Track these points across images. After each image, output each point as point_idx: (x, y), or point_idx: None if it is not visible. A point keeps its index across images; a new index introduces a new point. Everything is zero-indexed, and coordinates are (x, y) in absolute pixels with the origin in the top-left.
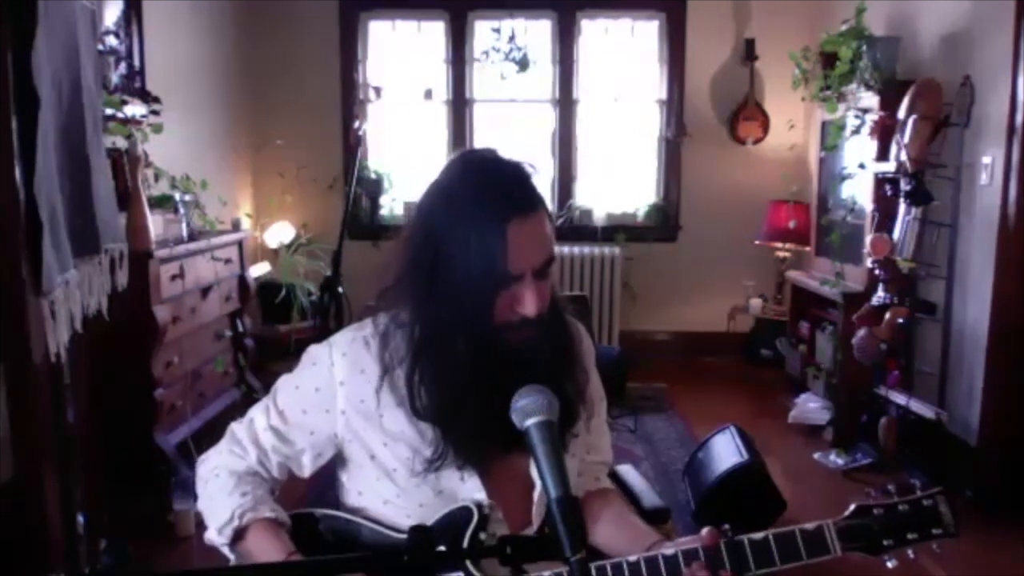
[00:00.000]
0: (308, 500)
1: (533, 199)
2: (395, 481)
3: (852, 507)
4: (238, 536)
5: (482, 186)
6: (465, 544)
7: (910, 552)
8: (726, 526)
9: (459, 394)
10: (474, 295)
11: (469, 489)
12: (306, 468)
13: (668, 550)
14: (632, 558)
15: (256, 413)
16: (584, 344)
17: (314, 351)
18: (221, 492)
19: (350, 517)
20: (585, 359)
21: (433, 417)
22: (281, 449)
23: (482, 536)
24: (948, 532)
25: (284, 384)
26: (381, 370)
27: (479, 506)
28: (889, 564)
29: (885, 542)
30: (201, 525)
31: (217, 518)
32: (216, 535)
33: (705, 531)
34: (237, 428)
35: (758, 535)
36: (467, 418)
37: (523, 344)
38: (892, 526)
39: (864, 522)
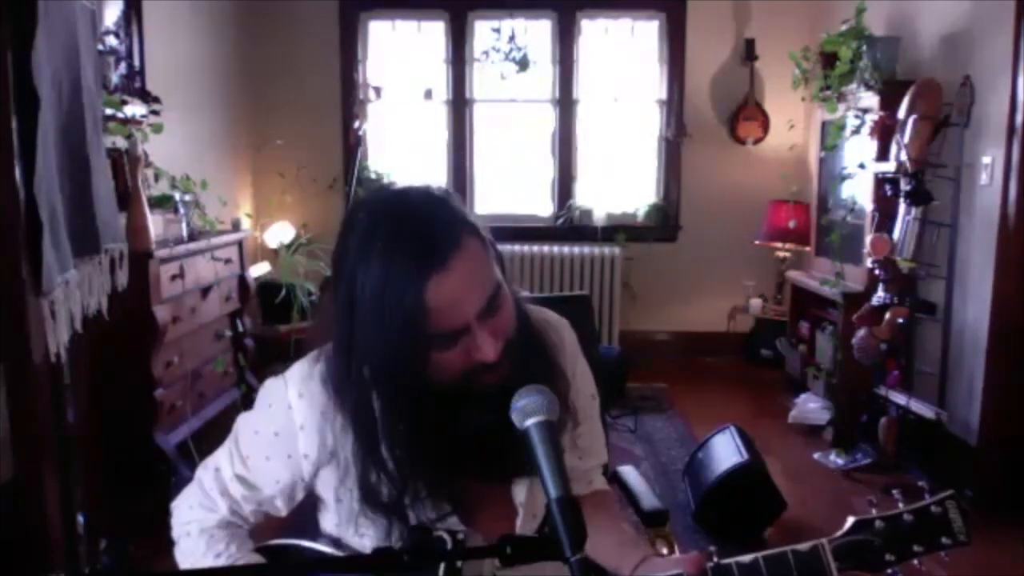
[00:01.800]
0: (292, 524)
1: (450, 240)
2: (367, 518)
3: (850, 521)
4: None
5: (386, 248)
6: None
7: (915, 562)
8: (712, 548)
9: (417, 461)
10: (402, 370)
11: (448, 526)
12: (281, 510)
13: None
14: None
15: (221, 460)
16: (567, 342)
17: (270, 389)
18: (193, 556)
19: (326, 549)
20: (568, 359)
21: (384, 508)
22: (252, 497)
23: (458, 565)
24: (958, 541)
25: (244, 427)
26: (342, 416)
27: (453, 535)
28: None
29: (887, 557)
30: None
31: None
32: None
33: (690, 556)
34: (204, 478)
35: (747, 558)
36: (435, 477)
37: (498, 382)
38: (895, 539)
39: (864, 538)
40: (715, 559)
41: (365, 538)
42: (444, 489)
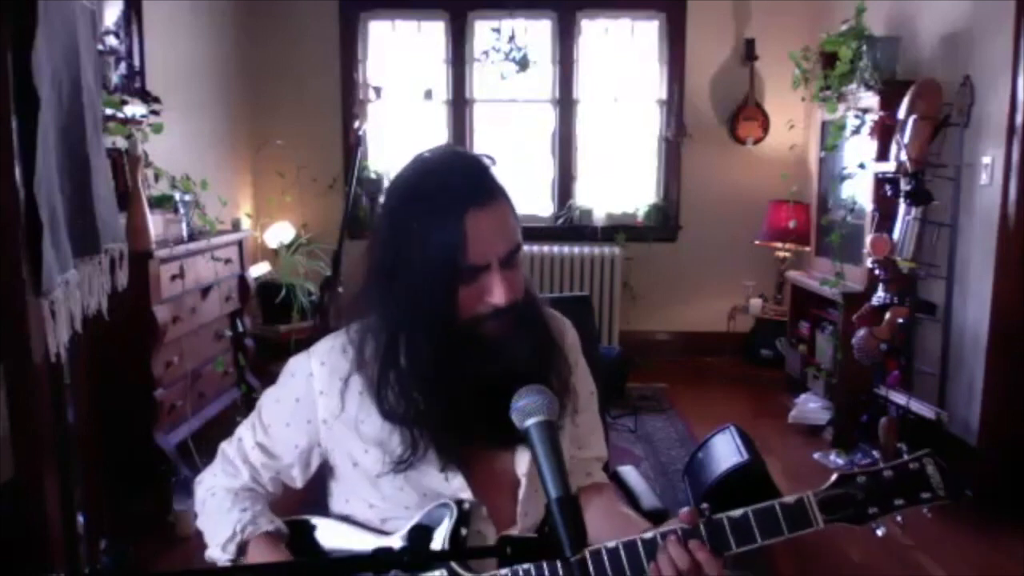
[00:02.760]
0: (304, 503)
1: (491, 189)
2: (378, 487)
3: (834, 476)
4: (240, 551)
5: (437, 180)
6: (445, 542)
7: (899, 517)
8: (705, 505)
9: (429, 394)
10: (435, 291)
11: (454, 489)
12: (298, 480)
13: (647, 534)
14: (611, 544)
15: (243, 431)
16: (568, 337)
17: (292, 362)
18: (220, 510)
19: (339, 524)
20: (570, 352)
21: (400, 419)
22: (271, 465)
23: (463, 532)
24: (937, 495)
25: (266, 398)
26: (360, 377)
27: (459, 503)
28: (878, 532)
29: (870, 510)
30: (202, 543)
31: (219, 535)
32: (219, 552)
33: (683, 511)
34: (227, 448)
35: (737, 512)
36: (442, 416)
37: (500, 335)
38: (877, 493)
39: (847, 491)
40: (707, 514)
41: (375, 510)
42: (448, 427)
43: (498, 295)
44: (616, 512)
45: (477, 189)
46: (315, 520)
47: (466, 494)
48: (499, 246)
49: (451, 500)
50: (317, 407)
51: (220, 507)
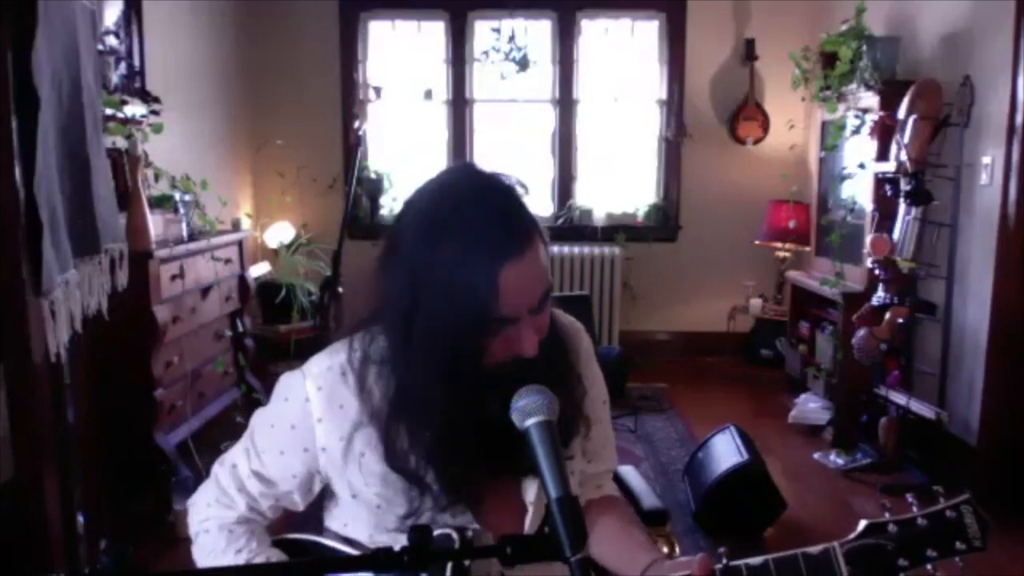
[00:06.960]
0: (298, 518)
1: (527, 234)
2: (379, 517)
3: (862, 525)
4: None
5: (468, 222)
6: (449, 573)
7: (929, 566)
8: (722, 550)
9: (440, 441)
10: (460, 343)
11: (461, 521)
12: (299, 505)
13: None
14: None
15: (238, 457)
16: (583, 348)
17: (286, 383)
18: (213, 552)
19: (338, 546)
20: (583, 365)
21: (410, 473)
22: (269, 493)
23: (466, 563)
24: (973, 547)
25: (259, 422)
26: (360, 407)
27: (461, 531)
28: None
29: (900, 562)
30: None
31: None
32: None
33: (699, 557)
34: (221, 474)
35: (757, 560)
36: (452, 461)
37: (519, 378)
38: (909, 544)
39: (876, 542)
40: (724, 560)
41: (375, 539)
42: (456, 473)
43: (528, 348)
44: (624, 531)
45: (513, 236)
46: (319, 540)
47: (473, 525)
48: (532, 297)
49: (452, 530)
50: (315, 434)
51: (214, 548)
